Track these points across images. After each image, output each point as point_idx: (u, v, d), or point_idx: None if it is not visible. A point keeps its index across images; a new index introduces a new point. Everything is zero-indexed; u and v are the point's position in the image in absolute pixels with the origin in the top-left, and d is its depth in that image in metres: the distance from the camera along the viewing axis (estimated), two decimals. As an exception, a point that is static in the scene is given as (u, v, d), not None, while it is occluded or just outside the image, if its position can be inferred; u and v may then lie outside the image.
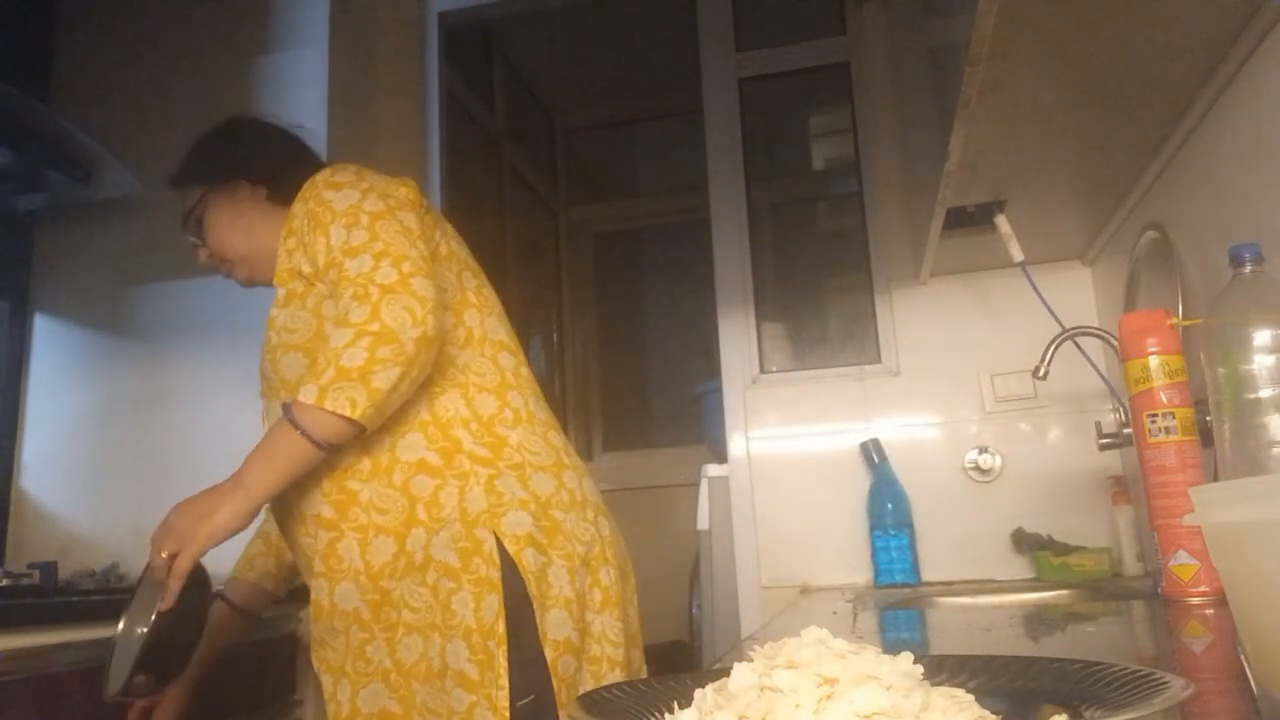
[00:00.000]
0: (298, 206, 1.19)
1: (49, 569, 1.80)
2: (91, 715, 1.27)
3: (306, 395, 1.03)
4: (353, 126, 2.31)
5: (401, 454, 1.12)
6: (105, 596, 1.62)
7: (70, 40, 2.41)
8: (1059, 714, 0.39)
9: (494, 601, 1.05)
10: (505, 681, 1.02)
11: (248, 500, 1.05)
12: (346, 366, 1.03)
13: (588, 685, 1.11)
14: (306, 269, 1.16)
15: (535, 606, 1.07)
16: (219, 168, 1.33)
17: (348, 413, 1.02)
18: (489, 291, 1.29)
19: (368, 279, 1.06)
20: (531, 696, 1.03)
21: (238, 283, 1.35)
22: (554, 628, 1.08)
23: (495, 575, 1.06)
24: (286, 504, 1.18)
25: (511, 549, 1.08)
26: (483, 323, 1.24)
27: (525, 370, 1.28)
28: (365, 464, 1.13)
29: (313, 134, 1.42)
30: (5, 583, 1.71)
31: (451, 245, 1.27)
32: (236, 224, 1.30)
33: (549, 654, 1.07)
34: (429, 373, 1.11)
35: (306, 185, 1.20)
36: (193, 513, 1.06)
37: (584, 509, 1.19)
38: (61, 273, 2.29)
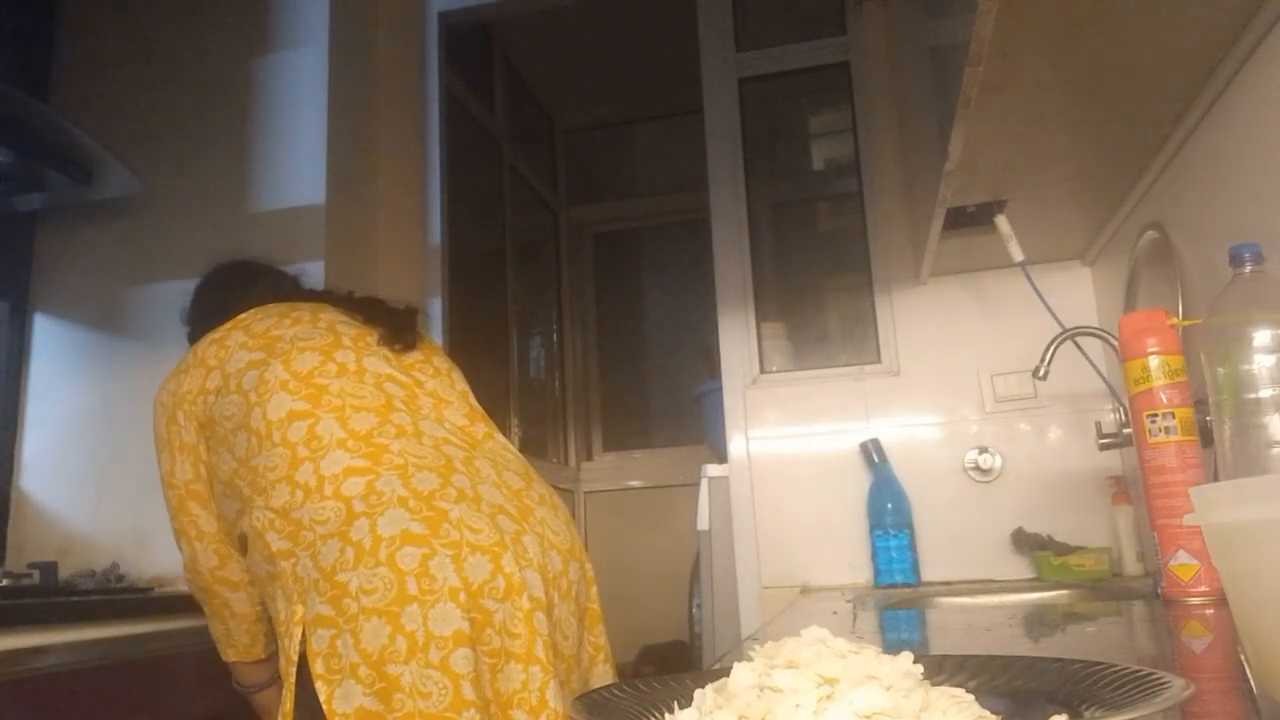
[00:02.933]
0: None
1: (49, 569, 1.80)
2: (91, 715, 1.27)
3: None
4: (353, 127, 2.31)
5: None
6: (105, 596, 1.62)
7: (70, 40, 2.41)
8: (1059, 714, 0.39)
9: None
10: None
11: None
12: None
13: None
14: None
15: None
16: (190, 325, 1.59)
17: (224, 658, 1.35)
18: (286, 358, 1.27)
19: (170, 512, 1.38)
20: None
21: None
22: (340, 702, 1.08)
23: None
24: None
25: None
26: (277, 419, 1.22)
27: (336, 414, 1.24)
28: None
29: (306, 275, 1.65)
30: (5, 583, 1.71)
31: (234, 357, 1.31)
32: None
33: None
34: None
35: None
36: None
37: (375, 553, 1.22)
38: (61, 273, 2.29)
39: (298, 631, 1.07)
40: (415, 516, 1.09)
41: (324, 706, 1.01)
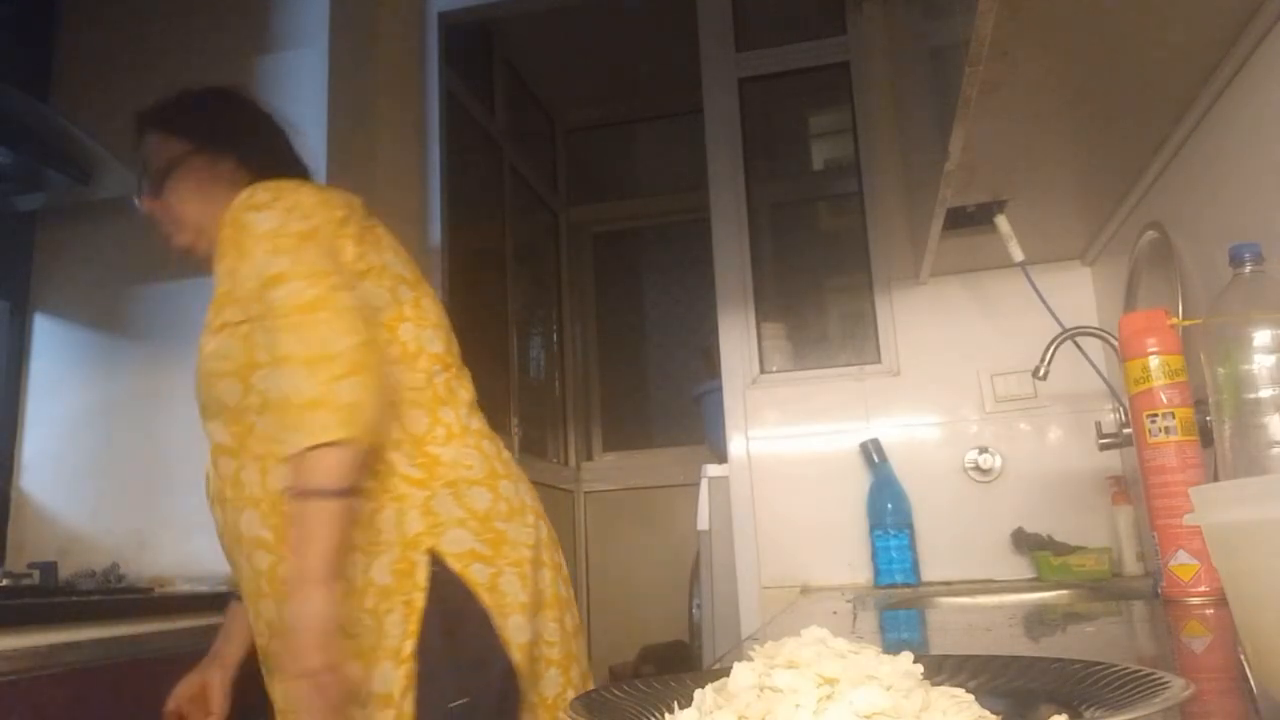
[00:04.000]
0: (224, 231, 1.15)
1: (49, 569, 1.80)
2: (91, 715, 1.27)
3: (292, 449, 1.01)
4: (353, 127, 2.31)
5: None
6: (105, 596, 1.62)
7: (70, 40, 2.41)
8: (1059, 714, 0.39)
9: (415, 622, 1.06)
10: (412, 694, 1.04)
11: (319, 588, 0.99)
12: (304, 401, 1.00)
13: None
14: (238, 295, 1.12)
15: (494, 615, 1.09)
16: (217, 133, 1.29)
17: (330, 437, 0.99)
18: (429, 302, 1.25)
19: (293, 306, 1.04)
20: (465, 699, 1.05)
21: (170, 244, 1.29)
22: (515, 632, 1.11)
23: (420, 597, 1.07)
24: (229, 525, 1.15)
25: (456, 566, 1.09)
26: (417, 336, 1.20)
27: (459, 380, 1.24)
28: None
29: (305, 137, 1.39)
30: (5, 583, 1.71)
31: (386, 257, 1.22)
32: (206, 194, 1.25)
33: (516, 657, 1.10)
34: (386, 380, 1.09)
35: (227, 209, 1.15)
36: (297, 652, 0.98)
37: (524, 514, 1.19)
38: (61, 273, 2.29)
39: (425, 560, 1.08)
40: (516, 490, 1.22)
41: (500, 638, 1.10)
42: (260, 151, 1.29)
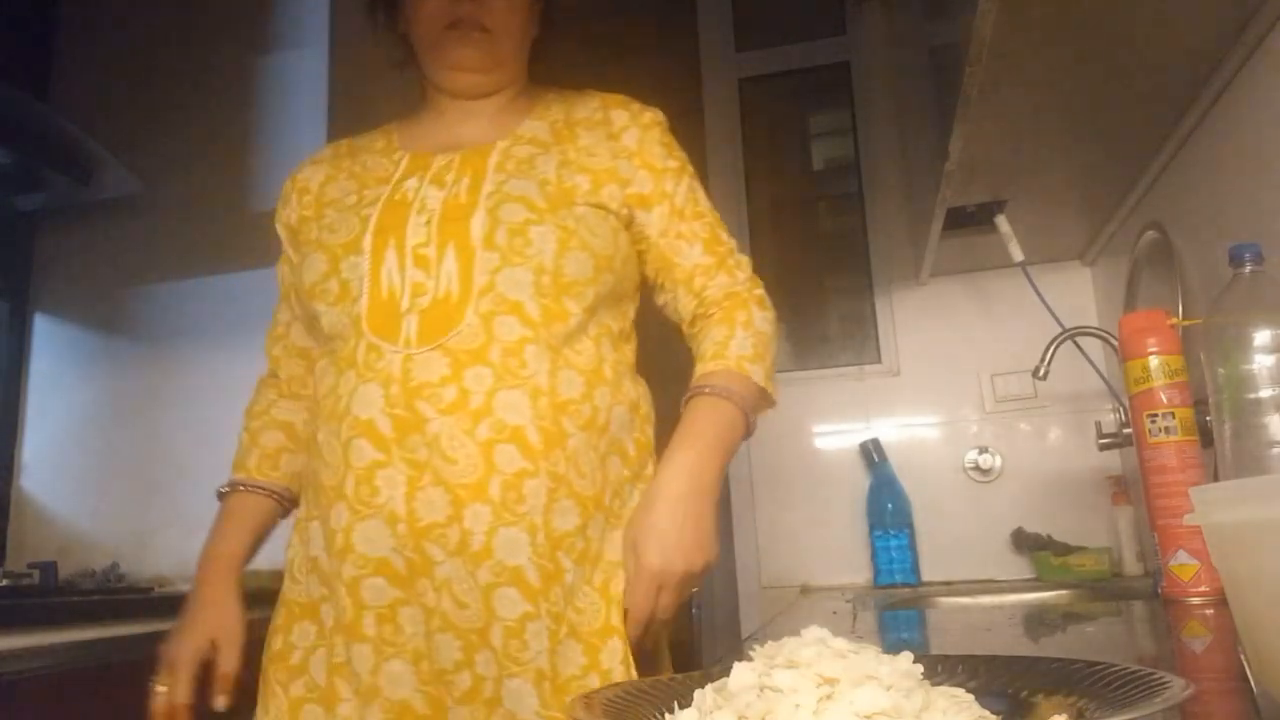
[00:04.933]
0: (649, 132, 1.06)
1: (49, 569, 1.80)
2: (91, 715, 1.27)
3: (757, 374, 0.98)
4: (353, 127, 2.30)
5: None
6: (105, 596, 1.62)
7: (70, 40, 2.41)
8: (1059, 714, 0.39)
9: None
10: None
11: (713, 507, 0.93)
12: (764, 342, 1.01)
13: None
14: (644, 190, 1.02)
15: None
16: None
17: (774, 396, 1.01)
18: None
19: (732, 249, 1.07)
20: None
21: (468, 52, 1.06)
22: None
23: None
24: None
25: None
26: None
27: None
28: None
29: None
30: (5, 583, 1.71)
31: None
32: (526, 29, 1.13)
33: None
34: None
35: (644, 112, 1.09)
36: (679, 547, 0.90)
37: None
38: (61, 273, 2.29)
39: None
40: None
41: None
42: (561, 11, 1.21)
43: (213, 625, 0.98)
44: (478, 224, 0.94)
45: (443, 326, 0.90)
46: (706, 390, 0.98)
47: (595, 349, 0.98)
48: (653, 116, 1.09)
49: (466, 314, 0.91)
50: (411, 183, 1.00)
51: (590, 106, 1.10)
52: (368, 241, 0.95)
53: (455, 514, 0.87)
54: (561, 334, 0.94)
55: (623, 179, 1.02)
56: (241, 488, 1.07)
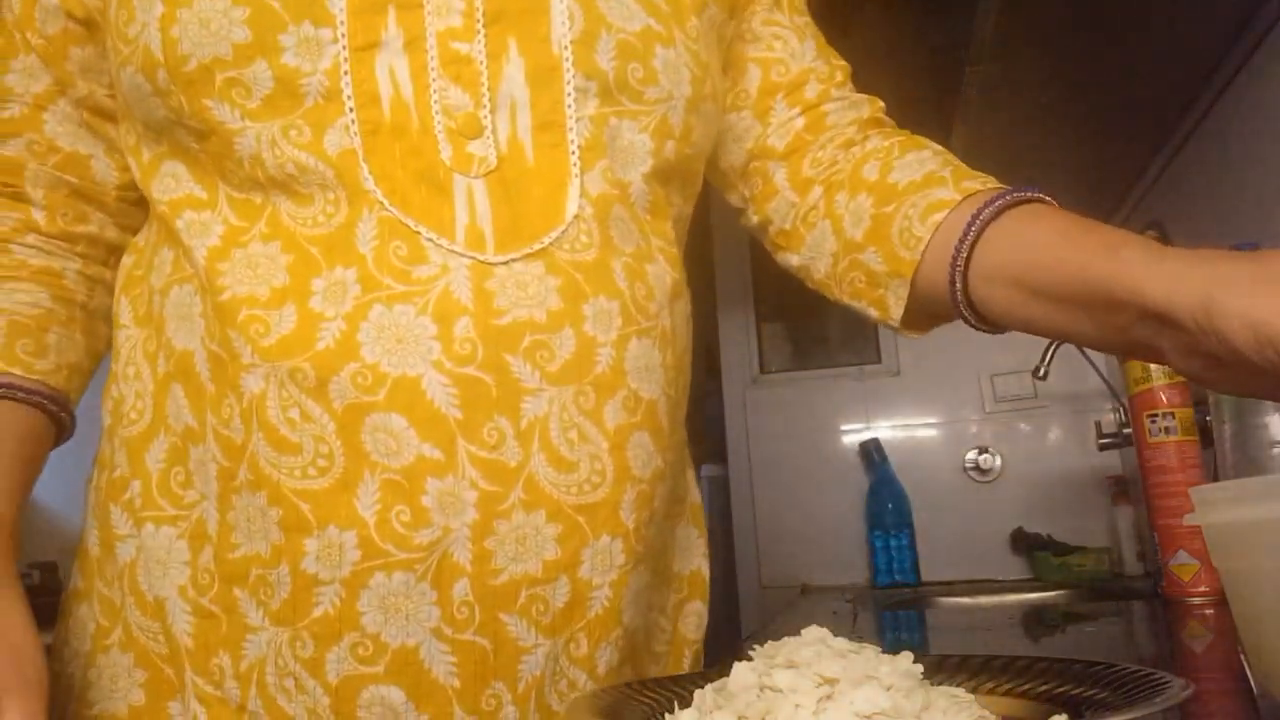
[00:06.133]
0: None
1: (49, 569, 1.80)
2: (91, 715, 1.27)
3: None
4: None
5: None
6: (105, 596, 1.62)
7: (70, 40, 2.41)
8: (1059, 714, 0.39)
9: None
10: None
11: None
12: None
13: None
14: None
15: None
16: None
17: None
18: None
19: None
20: None
21: None
22: None
23: None
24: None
25: None
26: None
27: None
28: None
29: None
30: (5, 583, 1.71)
31: None
32: None
33: None
34: None
35: None
36: None
37: None
38: (61, 273, 2.29)
39: None
40: None
41: None
42: None
43: None
44: (560, 19, 0.52)
45: (535, 213, 0.51)
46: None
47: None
48: None
49: (570, 193, 0.52)
50: None
51: None
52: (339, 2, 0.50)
53: (567, 559, 0.51)
54: (664, 240, 0.59)
55: None
56: None
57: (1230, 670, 0.64)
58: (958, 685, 0.44)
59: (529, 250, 0.50)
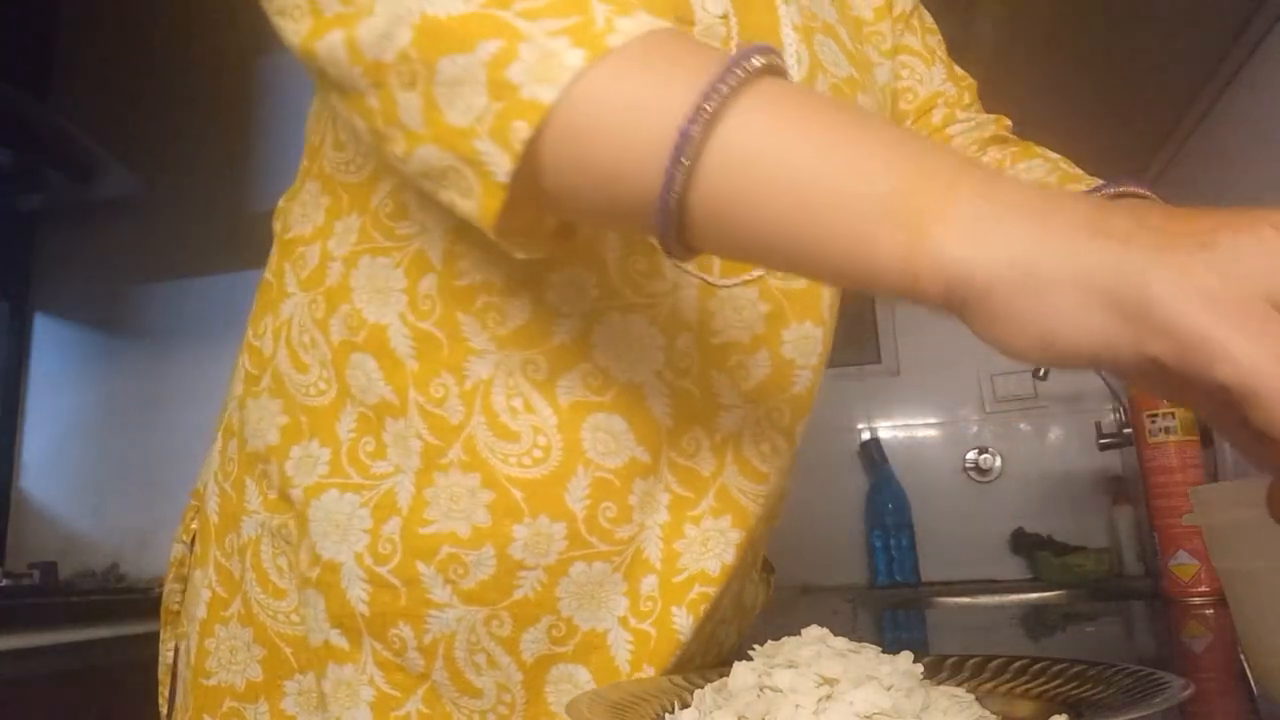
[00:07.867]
0: None
1: (49, 569, 1.80)
2: (92, 715, 1.27)
3: None
4: (353, 126, 2.30)
5: None
6: (105, 597, 1.62)
7: (70, 40, 2.41)
8: (1059, 714, 0.39)
9: None
10: None
11: None
12: None
13: None
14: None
15: None
16: None
17: None
18: None
19: None
20: None
21: None
22: None
23: None
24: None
25: None
26: None
27: None
28: None
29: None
30: (5, 583, 1.71)
31: None
32: None
33: None
34: None
35: None
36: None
37: None
38: (61, 273, 2.29)
39: None
40: None
41: None
42: None
43: None
44: (790, 59, 0.55)
45: None
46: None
47: None
48: None
49: None
50: None
51: None
52: None
53: (736, 564, 0.56)
54: None
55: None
56: None
57: (1230, 670, 0.64)
58: (958, 685, 0.44)
59: (748, 277, 0.54)
